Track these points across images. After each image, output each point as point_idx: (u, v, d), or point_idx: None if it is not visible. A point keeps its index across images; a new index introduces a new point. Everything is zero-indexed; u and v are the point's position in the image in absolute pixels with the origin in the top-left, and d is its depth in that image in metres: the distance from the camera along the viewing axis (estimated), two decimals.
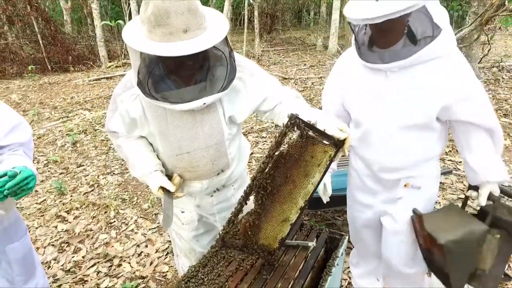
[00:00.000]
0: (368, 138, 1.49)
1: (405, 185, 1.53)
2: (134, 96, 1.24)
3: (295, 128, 0.98)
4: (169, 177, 1.37)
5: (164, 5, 0.99)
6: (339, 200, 2.35)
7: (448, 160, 3.78)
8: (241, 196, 1.09)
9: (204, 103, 1.15)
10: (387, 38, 1.29)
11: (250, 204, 1.13)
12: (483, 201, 1.39)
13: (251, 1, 9.73)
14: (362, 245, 1.88)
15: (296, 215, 1.07)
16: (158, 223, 3.02)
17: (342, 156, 1.11)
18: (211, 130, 1.29)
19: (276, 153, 1.01)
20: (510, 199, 1.40)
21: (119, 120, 1.32)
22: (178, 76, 1.20)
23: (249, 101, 1.32)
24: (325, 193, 1.69)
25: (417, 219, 1.46)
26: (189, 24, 1.02)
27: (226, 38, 1.14)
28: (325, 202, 1.71)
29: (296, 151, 1.03)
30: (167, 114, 1.24)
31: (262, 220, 1.11)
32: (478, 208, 1.46)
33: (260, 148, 4.44)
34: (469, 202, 1.58)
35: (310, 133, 1.01)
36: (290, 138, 1.06)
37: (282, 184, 1.07)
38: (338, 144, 1.03)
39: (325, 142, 1.03)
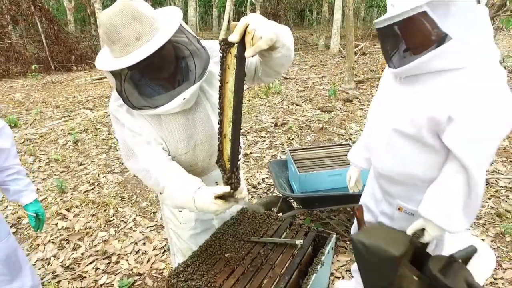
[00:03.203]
0: (372, 140, 1.54)
1: (399, 209, 1.46)
2: (124, 105, 1.26)
3: (221, 52, 1.04)
4: None
5: (110, 22, 1.04)
6: (334, 199, 2.39)
7: None
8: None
9: (184, 99, 1.17)
10: (406, 43, 1.28)
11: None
12: (411, 229, 1.33)
13: (253, 0, 9.75)
14: None
15: (229, 129, 1.08)
16: (156, 221, 3.06)
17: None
18: (203, 126, 1.33)
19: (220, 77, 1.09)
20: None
21: (125, 131, 1.30)
22: (153, 81, 1.23)
23: None
24: (354, 186, 1.84)
25: (358, 210, 1.50)
26: (139, 31, 1.05)
27: (183, 29, 1.17)
28: (357, 191, 1.89)
29: (221, 70, 1.08)
30: (161, 119, 1.28)
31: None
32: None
33: (259, 148, 4.47)
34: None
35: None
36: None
37: (221, 101, 1.11)
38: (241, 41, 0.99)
39: (232, 43, 1.01)
